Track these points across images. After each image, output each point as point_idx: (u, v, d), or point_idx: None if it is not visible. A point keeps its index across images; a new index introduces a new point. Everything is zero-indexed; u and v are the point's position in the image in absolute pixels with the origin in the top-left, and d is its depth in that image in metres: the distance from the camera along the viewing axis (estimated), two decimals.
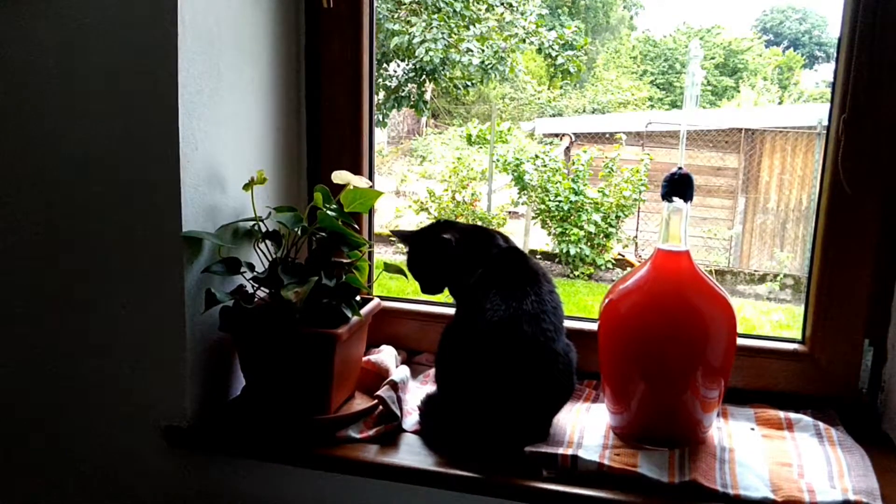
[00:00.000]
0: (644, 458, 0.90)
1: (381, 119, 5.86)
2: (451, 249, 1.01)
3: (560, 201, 4.93)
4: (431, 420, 1.01)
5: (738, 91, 9.16)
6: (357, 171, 1.20)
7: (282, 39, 1.16)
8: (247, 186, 1.01)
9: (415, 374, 1.15)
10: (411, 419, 1.03)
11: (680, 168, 0.93)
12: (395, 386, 1.04)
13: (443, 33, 5.12)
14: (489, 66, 5.31)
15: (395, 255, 5.18)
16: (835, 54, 1.05)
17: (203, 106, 0.98)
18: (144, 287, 0.99)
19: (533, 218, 5.18)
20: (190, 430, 1.00)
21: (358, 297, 1.03)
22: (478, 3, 5.32)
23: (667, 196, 0.93)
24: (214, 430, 1.01)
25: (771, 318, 4.25)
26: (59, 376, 1.05)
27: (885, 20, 0.98)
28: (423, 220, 5.38)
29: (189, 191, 0.96)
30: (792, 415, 1.03)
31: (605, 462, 0.88)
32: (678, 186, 0.92)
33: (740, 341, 0.99)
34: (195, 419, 1.02)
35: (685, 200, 0.93)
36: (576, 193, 4.92)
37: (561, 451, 0.90)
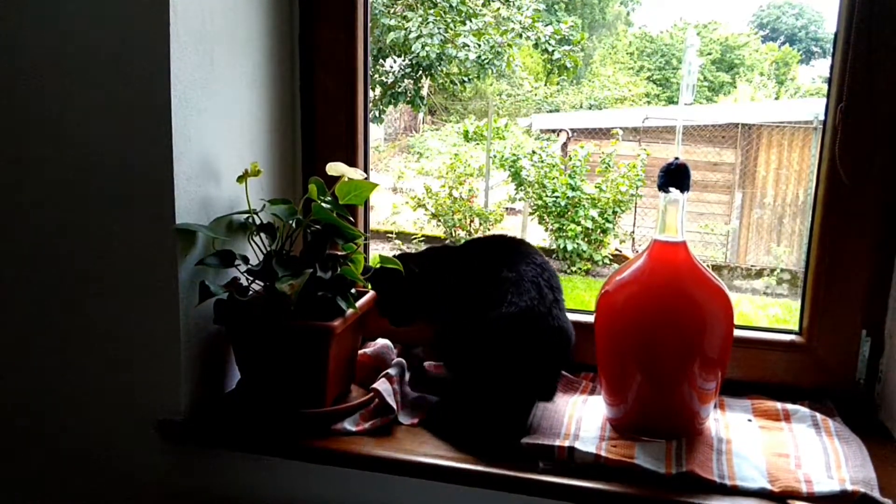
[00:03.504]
0: (641, 449, 0.90)
1: (377, 115, 5.86)
2: (408, 272, 1.05)
3: (557, 197, 4.94)
4: (439, 408, 1.02)
5: (735, 86, 9.17)
6: (352, 163, 1.19)
7: (275, 30, 1.15)
8: (241, 178, 1.01)
9: (411, 367, 1.15)
10: (410, 410, 1.02)
11: (676, 158, 0.93)
12: (391, 379, 1.04)
13: (439, 28, 5.11)
14: (485, 62, 5.30)
15: (393, 250, 5.18)
16: (831, 49, 1.05)
17: (196, 97, 0.97)
18: (138, 280, 0.98)
19: (530, 214, 5.19)
20: (184, 424, 1.00)
21: (353, 290, 1.03)
22: None
23: (663, 187, 0.93)
24: (209, 423, 1.00)
25: (768, 313, 4.26)
26: (52, 370, 1.05)
27: (883, 10, 0.98)
28: (419, 217, 5.38)
29: (182, 183, 0.96)
30: (789, 406, 1.03)
31: (602, 454, 0.88)
32: (675, 177, 0.92)
33: (737, 333, 0.99)
34: (190, 413, 1.01)
35: (682, 191, 0.92)
36: (573, 189, 4.93)
37: (558, 442, 0.90)
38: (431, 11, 5.13)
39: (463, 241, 1.12)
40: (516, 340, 0.96)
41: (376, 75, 5.60)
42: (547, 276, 1.02)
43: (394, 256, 1.07)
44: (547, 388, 1.01)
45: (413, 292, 1.07)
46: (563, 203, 4.92)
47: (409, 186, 6.01)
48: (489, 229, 5.23)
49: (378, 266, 1.04)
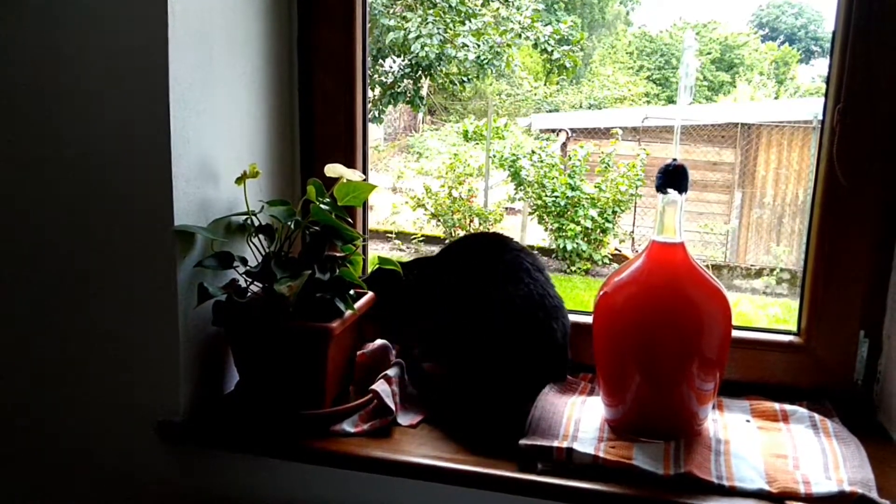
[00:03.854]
0: (639, 450, 0.90)
1: (377, 115, 5.85)
2: (405, 280, 1.09)
3: (557, 197, 4.93)
4: (446, 404, 1.04)
5: (735, 86, 9.17)
6: (351, 164, 1.20)
7: (274, 31, 1.15)
8: (239, 180, 1.01)
9: (409, 368, 1.15)
10: (409, 411, 1.03)
11: (674, 159, 0.93)
12: (389, 380, 1.04)
13: (438, 28, 5.11)
14: (485, 62, 5.30)
15: (392, 251, 5.18)
16: (829, 48, 1.05)
17: (194, 99, 0.97)
18: (137, 281, 0.98)
19: (530, 214, 5.19)
20: (183, 425, 1.00)
21: (352, 291, 1.03)
22: None
23: (661, 188, 0.93)
24: (208, 424, 1.00)
25: (768, 313, 4.26)
26: (52, 371, 1.05)
27: (881, 10, 0.98)
28: (419, 217, 5.38)
29: (181, 185, 0.96)
30: (787, 406, 1.03)
31: (601, 455, 0.88)
32: (672, 178, 0.92)
33: (736, 333, 0.99)
34: (189, 414, 1.01)
35: (680, 192, 0.92)
36: (572, 189, 4.93)
37: (556, 444, 0.90)
38: (431, 12, 5.13)
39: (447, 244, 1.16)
40: (524, 328, 1.01)
41: (376, 75, 5.60)
42: (531, 260, 1.07)
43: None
44: (558, 369, 1.05)
45: (410, 298, 1.10)
46: (562, 203, 4.92)
47: (409, 186, 6.00)
48: (489, 229, 5.23)
49: (376, 269, 1.05)
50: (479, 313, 1.02)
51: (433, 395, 1.07)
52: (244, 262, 1.00)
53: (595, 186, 4.97)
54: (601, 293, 0.97)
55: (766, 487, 0.84)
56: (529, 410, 0.97)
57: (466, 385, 1.04)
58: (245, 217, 1.03)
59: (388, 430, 0.98)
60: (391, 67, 5.57)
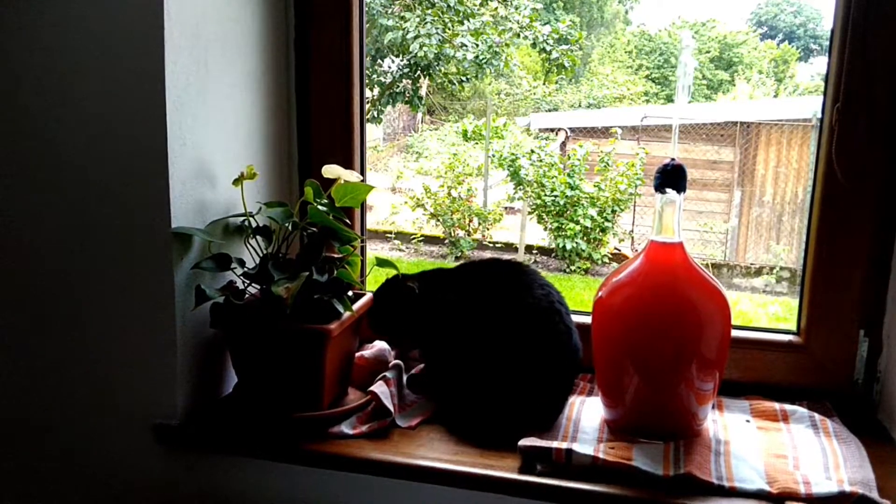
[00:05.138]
0: (639, 451, 0.89)
1: (376, 115, 5.84)
2: (414, 294, 1.04)
3: (556, 196, 4.93)
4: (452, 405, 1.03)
5: (734, 84, 9.16)
6: (349, 165, 1.19)
7: (270, 32, 1.15)
8: (236, 182, 1.00)
9: (408, 369, 1.15)
10: (407, 413, 1.02)
11: (672, 159, 0.92)
12: (388, 381, 1.04)
13: (437, 28, 5.10)
14: (483, 61, 5.29)
15: (391, 251, 5.18)
16: (828, 47, 1.05)
17: (190, 101, 0.97)
18: (134, 284, 0.98)
19: (529, 213, 5.18)
20: (180, 428, 0.99)
21: (350, 293, 1.02)
22: None
23: (660, 188, 0.93)
24: (205, 427, 1.00)
25: (767, 311, 4.26)
26: (47, 375, 1.04)
27: (878, 9, 0.98)
28: (418, 217, 5.37)
29: (178, 187, 0.96)
30: (787, 406, 1.03)
31: (600, 456, 0.88)
32: (671, 177, 0.92)
33: (735, 333, 0.99)
34: (186, 417, 1.01)
35: (678, 192, 0.92)
36: (571, 188, 4.92)
37: (555, 445, 0.90)
38: (429, 11, 5.12)
39: (457, 265, 1.09)
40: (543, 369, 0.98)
41: (374, 75, 5.58)
42: (556, 296, 1.02)
43: (400, 277, 1.06)
44: (550, 410, 1.01)
45: (417, 312, 1.05)
46: (561, 202, 4.91)
47: (408, 186, 5.99)
48: (488, 229, 5.23)
49: (383, 281, 1.05)
50: (495, 348, 0.99)
51: (445, 393, 1.06)
52: (242, 263, 1.00)
53: (594, 186, 4.96)
54: (599, 294, 0.97)
55: (766, 488, 0.84)
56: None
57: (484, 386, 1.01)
58: (242, 219, 1.03)
59: (386, 431, 0.98)
60: (390, 67, 5.56)
